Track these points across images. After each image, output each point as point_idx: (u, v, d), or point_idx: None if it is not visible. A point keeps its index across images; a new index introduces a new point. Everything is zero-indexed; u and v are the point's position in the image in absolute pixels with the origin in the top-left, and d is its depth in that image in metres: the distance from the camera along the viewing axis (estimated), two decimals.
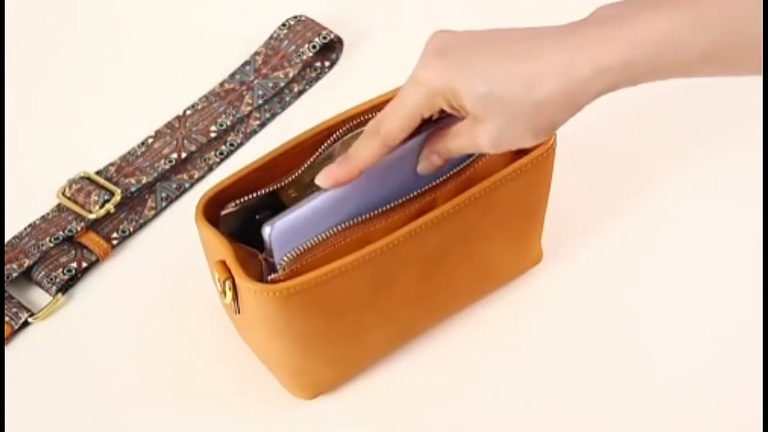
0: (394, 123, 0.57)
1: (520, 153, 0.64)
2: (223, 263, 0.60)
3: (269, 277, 0.60)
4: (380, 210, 0.61)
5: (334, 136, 0.63)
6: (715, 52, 0.51)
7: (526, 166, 0.63)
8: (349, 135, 0.63)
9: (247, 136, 0.83)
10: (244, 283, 0.59)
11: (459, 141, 0.58)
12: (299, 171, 0.62)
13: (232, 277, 0.59)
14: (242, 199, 0.62)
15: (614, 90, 0.53)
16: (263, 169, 0.63)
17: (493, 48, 0.54)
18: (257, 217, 0.64)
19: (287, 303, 0.59)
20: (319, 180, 0.59)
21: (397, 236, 0.60)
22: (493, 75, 0.54)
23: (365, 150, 0.58)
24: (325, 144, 0.63)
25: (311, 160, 0.62)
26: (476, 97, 0.54)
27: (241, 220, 0.64)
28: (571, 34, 0.53)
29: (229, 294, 0.60)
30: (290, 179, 0.62)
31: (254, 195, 0.62)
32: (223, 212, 0.62)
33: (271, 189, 0.62)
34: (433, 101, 0.56)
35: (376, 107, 0.63)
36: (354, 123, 0.63)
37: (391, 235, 0.60)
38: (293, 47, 0.86)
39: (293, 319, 0.61)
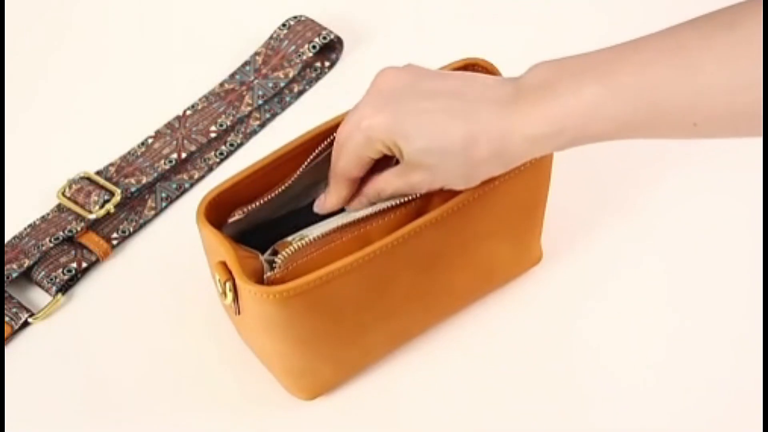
0: (346, 165, 0.60)
1: None
2: (224, 264, 0.60)
3: (265, 275, 0.60)
4: (377, 209, 0.61)
5: (319, 149, 0.64)
6: (634, 121, 0.54)
7: (525, 165, 0.63)
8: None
9: (247, 137, 0.83)
10: (244, 285, 0.59)
11: (393, 184, 0.61)
12: (290, 181, 0.63)
13: (232, 278, 0.59)
14: (247, 208, 0.62)
15: (543, 153, 0.57)
16: (264, 170, 0.63)
17: (435, 102, 0.57)
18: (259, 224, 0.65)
19: (287, 305, 0.59)
20: (315, 208, 0.64)
21: (396, 237, 0.60)
22: (433, 131, 0.56)
23: (333, 196, 0.62)
24: (312, 156, 0.64)
25: (302, 168, 0.63)
26: (415, 150, 0.57)
27: (244, 227, 0.64)
28: (504, 104, 0.56)
29: (230, 295, 0.60)
30: (283, 188, 0.63)
31: (258, 204, 0.63)
32: (230, 220, 0.63)
33: (269, 197, 0.63)
34: (374, 146, 0.58)
35: None
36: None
37: (390, 236, 0.60)
38: (293, 47, 0.86)
39: (293, 321, 0.61)
